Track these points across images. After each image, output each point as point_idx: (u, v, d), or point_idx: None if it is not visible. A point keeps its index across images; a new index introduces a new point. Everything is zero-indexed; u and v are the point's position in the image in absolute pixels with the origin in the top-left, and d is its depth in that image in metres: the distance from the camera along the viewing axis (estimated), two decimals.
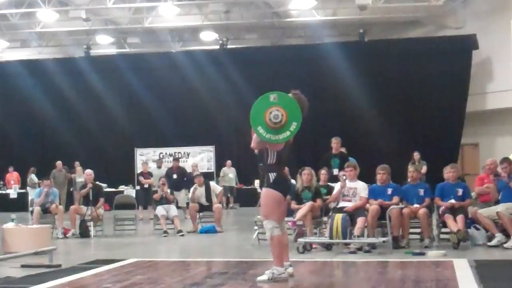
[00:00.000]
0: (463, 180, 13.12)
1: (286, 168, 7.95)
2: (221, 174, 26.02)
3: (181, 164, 22.94)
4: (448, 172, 11.87)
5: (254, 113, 7.43)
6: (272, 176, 7.66)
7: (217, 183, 21.79)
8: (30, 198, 23.91)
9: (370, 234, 11.07)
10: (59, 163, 24.06)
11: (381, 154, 22.44)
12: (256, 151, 7.83)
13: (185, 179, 20.58)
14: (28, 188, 25.44)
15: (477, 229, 11.60)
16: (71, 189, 24.37)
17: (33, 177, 25.44)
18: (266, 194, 7.74)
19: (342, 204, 11.46)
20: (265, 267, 7.94)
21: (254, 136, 7.61)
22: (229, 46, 29.98)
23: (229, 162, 26.34)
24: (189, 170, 22.52)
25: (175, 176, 20.10)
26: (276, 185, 7.66)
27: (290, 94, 7.63)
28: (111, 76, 29.56)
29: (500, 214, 11.06)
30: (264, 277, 7.61)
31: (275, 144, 7.59)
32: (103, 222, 15.77)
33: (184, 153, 28.59)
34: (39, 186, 24.66)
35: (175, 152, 28.20)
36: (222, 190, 17.40)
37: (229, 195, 25.97)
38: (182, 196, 19.81)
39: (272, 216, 7.66)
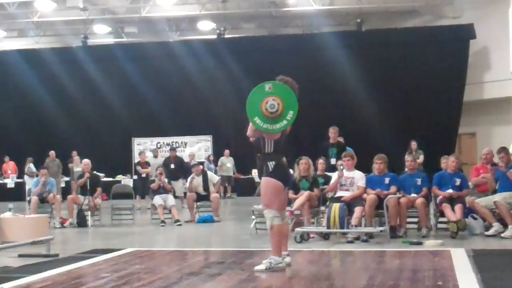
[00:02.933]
0: (461, 169, 13.12)
1: (283, 158, 7.94)
2: (219, 163, 26.01)
3: (178, 153, 22.96)
4: (451, 162, 11.86)
5: (250, 104, 7.43)
6: (271, 164, 7.65)
7: (215, 172, 21.81)
8: (27, 187, 23.97)
9: (367, 223, 11.06)
10: (52, 152, 24.05)
11: (379, 143, 22.48)
12: (252, 139, 7.82)
13: (182, 168, 20.60)
14: (26, 177, 25.40)
15: (475, 218, 11.61)
16: (68, 179, 24.40)
17: (31, 166, 25.41)
18: (266, 183, 7.73)
19: (339, 193, 11.45)
20: (262, 257, 7.95)
21: (250, 124, 7.61)
22: (226, 36, 29.92)
23: (227, 151, 26.33)
24: (186, 159, 22.53)
25: (172, 165, 20.09)
26: (275, 173, 7.66)
27: (277, 81, 7.62)
28: (109, 66, 29.52)
29: (498, 204, 11.08)
30: (261, 266, 7.62)
31: (272, 133, 7.59)
32: (101, 212, 15.77)
33: (182, 142, 28.60)
34: (36, 176, 24.78)
35: (172, 142, 28.21)
36: (219, 180, 17.40)
37: (226, 184, 25.99)
38: (179, 185, 19.82)
39: (272, 206, 7.65)
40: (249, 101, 7.42)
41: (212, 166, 25.09)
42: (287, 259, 7.78)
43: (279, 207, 7.77)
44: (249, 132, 7.69)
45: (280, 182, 7.71)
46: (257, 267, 7.67)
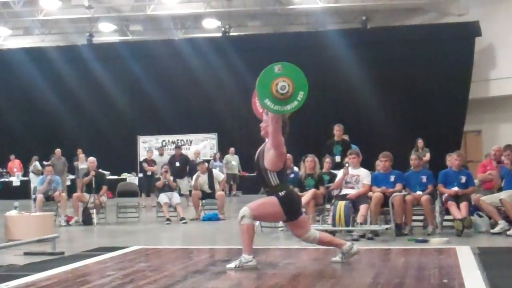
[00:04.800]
0: (466, 167, 13.10)
1: (289, 155, 7.92)
2: (224, 161, 26.00)
3: (183, 151, 22.97)
4: (454, 160, 11.84)
5: (260, 86, 7.33)
6: (281, 193, 7.59)
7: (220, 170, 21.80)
8: (33, 185, 23.97)
9: (373, 221, 11.06)
10: (58, 150, 24.07)
11: (384, 141, 22.45)
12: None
13: (187, 166, 20.63)
14: (31, 175, 25.46)
15: (480, 216, 11.60)
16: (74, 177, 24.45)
17: (37, 164, 25.47)
18: (271, 201, 7.65)
19: (344, 191, 11.43)
20: (267, 255, 7.96)
21: (270, 156, 7.56)
22: (231, 34, 29.95)
23: (232, 149, 26.29)
24: (191, 158, 22.53)
25: (177, 163, 20.12)
26: (283, 201, 7.59)
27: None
28: (114, 64, 29.58)
29: (503, 201, 11.06)
30: (231, 264, 7.64)
31: (275, 162, 7.54)
32: (106, 210, 15.78)
33: (187, 140, 28.61)
34: (42, 174, 24.80)
35: (177, 140, 28.22)
36: (225, 178, 17.39)
37: (232, 182, 25.98)
38: (184, 183, 19.86)
39: (253, 212, 7.61)
40: (259, 83, 7.33)
41: (218, 163, 25.03)
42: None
43: (256, 218, 7.79)
44: (269, 165, 7.62)
45: (283, 213, 7.66)
46: (228, 265, 7.66)
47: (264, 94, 7.29)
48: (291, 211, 7.70)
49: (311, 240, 7.88)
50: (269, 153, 7.57)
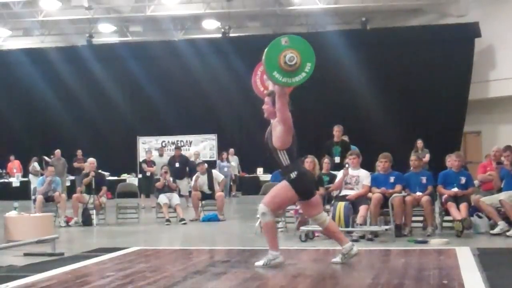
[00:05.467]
0: (466, 168, 13.10)
1: (303, 167, 7.99)
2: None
3: (183, 152, 22.97)
4: (453, 161, 11.85)
5: (267, 59, 7.33)
6: (293, 175, 7.66)
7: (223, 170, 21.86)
8: (32, 186, 23.99)
9: (372, 222, 11.07)
10: (57, 151, 24.11)
11: (383, 142, 22.40)
12: (271, 148, 7.79)
13: (187, 167, 20.63)
14: (30, 176, 25.48)
15: (480, 217, 11.61)
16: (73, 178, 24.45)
17: (35, 165, 25.49)
18: (282, 188, 7.76)
19: (344, 192, 11.43)
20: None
21: (278, 132, 7.57)
22: (231, 35, 29.94)
23: (232, 150, 26.30)
24: (191, 158, 22.53)
25: (177, 164, 20.13)
26: (295, 183, 7.66)
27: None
28: (114, 65, 29.57)
29: (503, 202, 11.07)
30: (260, 262, 7.76)
31: (284, 140, 7.56)
32: (106, 211, 15.78)
33: (187, 141, 28.59)
34: (41, 175, 24.87)
35: (177, 141, 28.19)
36: (224, 179, 17.37)
37: (231, 183, 25.98)
38: (184, 184, 19.86)
39: (269, 205, 7.70)
40: (267, 56, 7.32)
41: (225, 163, 24.98)
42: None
43: (273, 210, 7.82)
44: (277, 143, 7.66)
45: (296, 195, 7.74)
46: (257, 263, 7.79)
47: (272, 66, 7.30)
48: (304, 191, 7.81)
49: (321, 223, 7.94)
50: (276, 130, 7.67)
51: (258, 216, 12.07)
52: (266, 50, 7.33)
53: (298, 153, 7.87)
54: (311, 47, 7.47)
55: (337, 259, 7.92)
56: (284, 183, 7.74)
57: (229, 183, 24.72)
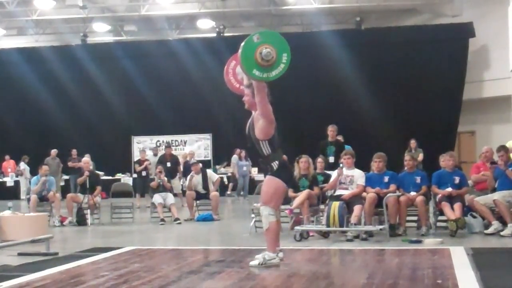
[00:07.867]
0: (460, 168, 13.13)
1: (285, 156, 7.96)
2: (233, 160, 25.64)
3: (178, 152, 22.94)
4: (447, 161, 11.87)
5: (244, 59, 7.33)
6: (275, 165, 7.70)
7: (214, 171, 21.74)
8: (22, 186, 24.08)
9: (367, 222, 11.07)
10: (54, 151, 24.10)
11: (378, 142, 22.46)
12: (251, 142, 7.81)
13: (178, 166, 20.55)
14: (19, 176, 25.59)
15: (474, 217, 11.62)
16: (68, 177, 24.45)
17: (21, 165, 25.56)
18: (269, 182, 7.81)
19: (339, 192, 11.44)
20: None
21: (260, 125, 7.59)
22: (226, 34, 29.94)
23: (238, 150, 25.89)
24: (187, 158, 22.47)
25: (168, 163, 20.08)
26: (279, 173, 7.72)
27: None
28: (108, 64, 29.53)
29: (497, 202, 11.08)
30: (255, 262, 7.72)
31: (266, 130, 7.58)
32: (100, 210, 15.76)
33: (181, 141, 28.60)
34: (21, 175, 25.02)
35: (172, 140, 28.18)
36: (219, 178, 17.34)
37: (226, 182, 25.89)
38: (176, 183, 19.81)
39: (270, 203, 7.72)
40: (243, 56, 7.33)
41: (244, 162, 24.83)
42: (281, 254, 7.82)
43: (276, 206, 7.84)
44: (259, 134, 7.67)
45: (283, 182, 7.77)
46: (251, 262, 7.77)
47: (251, 65, 7.32)
48: (289, 179, 8.10)
49: (271, 218, 7.75)
50: (258, 123, 7.68)
51: (252, 215, 12.20)
52: (240, 50, 7.34)
53: (279, 142, 7.87)
54: (283, 37, 7.51)
55: (255, 262, 7.80)
56: (268, 178, 7.81)
57: (248, 182, 24.65)
